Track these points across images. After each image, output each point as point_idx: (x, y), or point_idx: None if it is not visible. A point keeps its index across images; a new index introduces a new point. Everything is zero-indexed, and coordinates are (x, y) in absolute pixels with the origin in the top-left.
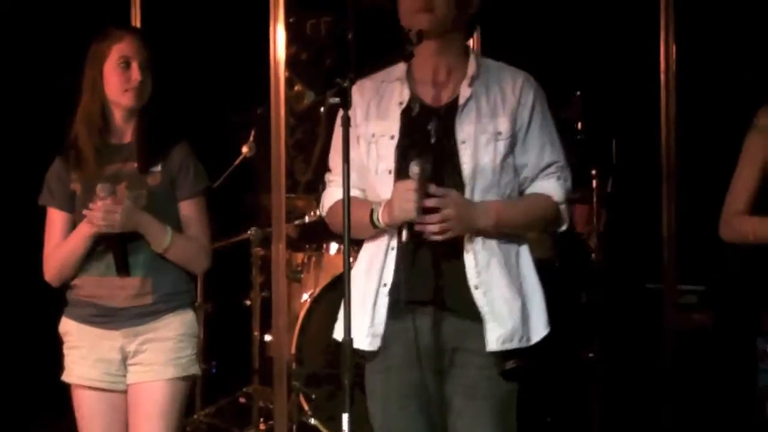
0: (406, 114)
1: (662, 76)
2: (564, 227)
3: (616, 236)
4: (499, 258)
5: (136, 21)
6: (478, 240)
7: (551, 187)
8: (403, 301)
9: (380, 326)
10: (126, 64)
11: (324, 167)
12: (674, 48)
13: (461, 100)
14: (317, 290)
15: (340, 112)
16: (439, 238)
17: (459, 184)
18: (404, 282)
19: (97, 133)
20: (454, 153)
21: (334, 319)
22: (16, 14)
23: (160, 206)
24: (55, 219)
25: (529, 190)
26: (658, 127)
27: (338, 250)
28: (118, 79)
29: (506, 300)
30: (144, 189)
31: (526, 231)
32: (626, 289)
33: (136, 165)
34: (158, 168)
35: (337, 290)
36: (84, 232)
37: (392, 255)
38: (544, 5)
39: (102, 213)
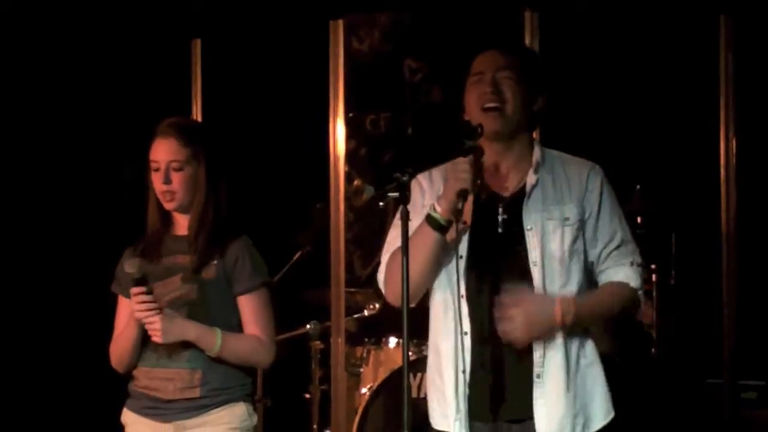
0: (475, 202)
1: (722, 171)
2: (639, 312)
3: (677, 330)
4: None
5: (197, 117)
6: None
7: (626, 274)
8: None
9: (464, 410)
10: (156, 169)
11: None
12: (734, 141)
13: (528, 188)
14: (376, 384)
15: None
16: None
17: (526, 272)
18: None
19: (155, 227)
20: (521, 240)
21: (394, 413)
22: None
23: (211, 299)
24: (121, 306)
25: (605, 279)
26: (719, 220)
27: (397, 344)
28: (154, 183)
29: (559, 395)
30: (196, 282)
31: (607, 321)
32: (687, 383)
33: (191, 257)
34: (214, 261)
35: (396, 384)
36: (132, 326)
37: (466, 340)
38: (605, 100)
39: (139, 305)
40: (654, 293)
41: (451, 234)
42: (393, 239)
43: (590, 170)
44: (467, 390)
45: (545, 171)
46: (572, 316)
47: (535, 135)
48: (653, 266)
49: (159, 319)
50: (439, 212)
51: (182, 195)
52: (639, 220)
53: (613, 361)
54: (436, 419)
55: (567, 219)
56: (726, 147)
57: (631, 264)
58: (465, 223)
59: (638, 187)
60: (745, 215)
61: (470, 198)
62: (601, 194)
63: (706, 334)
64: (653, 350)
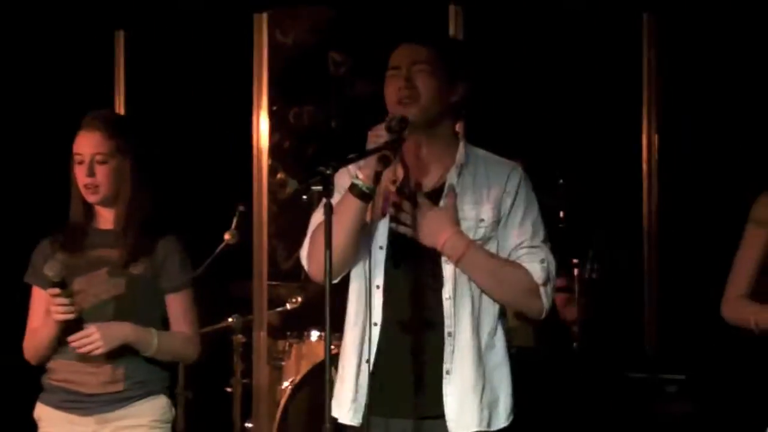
0: (396, 194)
1: (644, 166)
2: (543, 314)
3: (598, 324)
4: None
5: (120, 109)
6: (456, 323)
7: (533, 267)
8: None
9: (363, 400)
10: (80, 162)
11: None
12: (656, 138)
13: (446, 187)
14: (298, 377)
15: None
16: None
17: (439, 266)
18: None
19: (79, 220)
20: None
21: (315, 407)
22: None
23: (139, 294)
24: (37, 297)
25: None
26: (641, 215)
27: (319, 338)
28: (77, 176)
29: (467, 392)
30: (124, 277)
31: (494, 288)
32: (608, 377)
33: (119, 252)
34: (143, 257)
35: (318, 377)
36: (50, 323)
37: (375, 330)
38: (529, 94)
39: (57, 307)
40: (576, 287)
41: (369, 214)
42: (317, 219)
43: (510, 171)
44: (370, 382)
45: (467, 171)
46: (461, 247)
47: (459, 128)
48: (575, 261)
49: (95, 330)
50: (361, 179)
51: (106, 188)
52: (562, 214)
53: (533, 355)
54: (334, 409)
55: (482, 220)
56: (648, 142)
57: (541, 261)
58: (384, 213)
59: (561, 181)
60: (667, 210)
61: (392, 189)
62: (516, 196)
63: (628, 328)
64: (574, 344)
